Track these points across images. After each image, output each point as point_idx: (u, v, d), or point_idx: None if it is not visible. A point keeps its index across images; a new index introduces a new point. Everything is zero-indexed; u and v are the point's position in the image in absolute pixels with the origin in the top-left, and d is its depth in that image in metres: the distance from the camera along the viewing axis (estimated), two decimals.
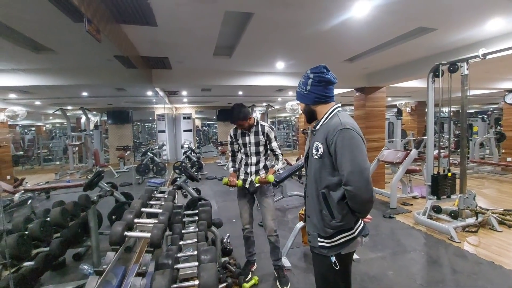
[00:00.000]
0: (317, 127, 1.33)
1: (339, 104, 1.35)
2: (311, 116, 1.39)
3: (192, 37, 2.93)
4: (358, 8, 2.30)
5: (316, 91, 1.29)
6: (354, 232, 1.28)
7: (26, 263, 1.72)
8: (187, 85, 5.59)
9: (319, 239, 1.30)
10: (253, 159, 2.39)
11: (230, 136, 2.49)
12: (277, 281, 2.39)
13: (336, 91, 6.67)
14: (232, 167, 2.54)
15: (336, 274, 1.30)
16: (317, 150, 1.27)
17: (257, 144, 2.37)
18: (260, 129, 2.36)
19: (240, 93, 7.46)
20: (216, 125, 13.25)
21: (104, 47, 2.24)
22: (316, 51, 3.67)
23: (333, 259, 1.28)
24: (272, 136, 2.39)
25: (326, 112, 1.31)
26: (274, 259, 2.43)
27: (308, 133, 8.08)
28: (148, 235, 1.45)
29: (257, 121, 2.40)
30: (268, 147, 2.42)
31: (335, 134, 1.19)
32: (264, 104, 10.51)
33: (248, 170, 2.40)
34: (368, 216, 1.36)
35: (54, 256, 1.91)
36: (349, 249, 1.30)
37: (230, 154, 2.60)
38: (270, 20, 2.52)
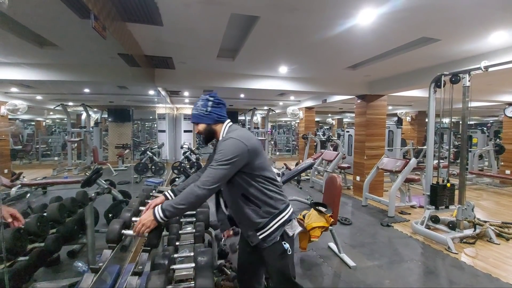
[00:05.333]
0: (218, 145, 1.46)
1: (229, 120, 1.52)
2: (211, 136, 1.50)
3: (197, 38, 2.94)
4: (364, 16, 2.31)
5: (217, 111, 1.46)
6: (285, 215, 1.46)
7: (20, 258, 1.70)
8: (190, 86, 5.59)
9: (257, 234, 1.43)
10: None
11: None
12: None
13: (338, 98, 6.70)
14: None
15: (289, 260, 1.46)
16: None
17: None
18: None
19: (242, 95, 7.47)
20: None
21: (108, 44, 2.25)
22: (320, 57, 3.69)
23: (286, 246, 1.45)
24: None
25: (223, 130, 1.48)
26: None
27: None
28: (146, 234, 1.44)
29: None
30: None
31: (224, 141, 1.37)
32: (265, 107, 10.53)
33: None
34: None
35: (49, 252, 1.89)
36: (292, 230, 1.49)
37: None
38: (275, 24, 2.53)
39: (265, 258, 1.50)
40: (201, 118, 1.46)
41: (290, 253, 1.47)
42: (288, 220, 1.47)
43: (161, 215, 1.25)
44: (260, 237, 1.43)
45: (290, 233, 1.47)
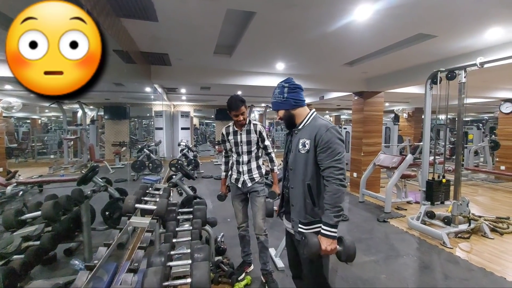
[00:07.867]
0: (300, 127, 1.52)
1: (314, 110, 1.58)
2: (291, 121, 1.54)
3: (193, 34, 2.92)
4: (360, 12, 2.30)
5: (293, 96, 1.50)
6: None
7: (15, 256, 1.69)
8: (186, 82, 5.57)
9: (299, 225, 1.47)
10: (245, 158, 2.39)
11: (222, 134, 2.49)
12: (266, 287, 2.36)
13: (335, 94, 6.71)
14: (224, 170, 2.57)
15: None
16: (304, 146, 1.44)
17: (248, 142, 2.36)
18: (252, 128, 2.36)
19: (239, 92, 7.44)
20: (214, 124, 13.22)
21: None
22: (317, 54, 3.68)
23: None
24: (264, 134, 2.41)
25: (307, 114, 1.53)
26: (262, 262, 2.40)
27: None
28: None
29: (249, 121, 2.40)
30: (261, 145, 2.42)
31: (326, 131, 1.39)
32: (263, 104, 10.50)
33: (240, 169, 2.39)
34: None
35: (44, 250, 1.88)
36: None
37: (223, 154, 2.61)
38: (272, 20, 2.52)
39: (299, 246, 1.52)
40: (279, 105, 1.53)
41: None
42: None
43: (334, 230, 1.33)
44: (299, 230, 1.46)
45: None
